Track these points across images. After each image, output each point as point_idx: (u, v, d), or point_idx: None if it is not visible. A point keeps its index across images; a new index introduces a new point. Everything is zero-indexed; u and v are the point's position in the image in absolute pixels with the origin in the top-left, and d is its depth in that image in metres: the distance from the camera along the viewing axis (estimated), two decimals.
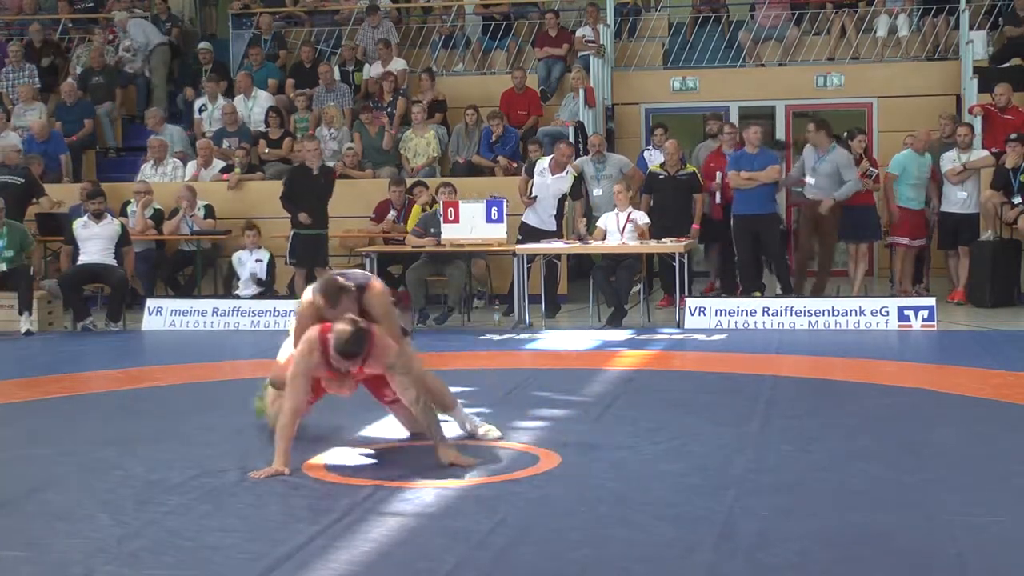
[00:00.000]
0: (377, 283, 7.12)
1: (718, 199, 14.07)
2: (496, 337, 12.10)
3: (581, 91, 15.81)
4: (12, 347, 12.10)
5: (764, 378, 9.53)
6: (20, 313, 12.71)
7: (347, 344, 6.44)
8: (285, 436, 6.55)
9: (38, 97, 16.87)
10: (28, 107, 16.58)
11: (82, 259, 13.16)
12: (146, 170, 15.49)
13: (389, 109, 16.15)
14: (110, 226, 13.28)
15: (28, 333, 12.59)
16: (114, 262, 13.14)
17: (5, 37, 18.28)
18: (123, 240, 13.33)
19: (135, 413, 8.34)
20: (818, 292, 13.37)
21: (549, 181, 13.53)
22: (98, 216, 13.21)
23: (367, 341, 6.52)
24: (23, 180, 14.53)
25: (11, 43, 17.77)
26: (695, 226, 13.68)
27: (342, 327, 6.49)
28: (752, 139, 13.79)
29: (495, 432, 7.33)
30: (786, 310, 12.52)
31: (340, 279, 6.86)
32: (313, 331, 6.63)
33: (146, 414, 8.33)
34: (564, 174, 13.53)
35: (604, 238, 13.01)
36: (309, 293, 6.97)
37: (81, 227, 13.28)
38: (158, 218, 14.48)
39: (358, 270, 7.23)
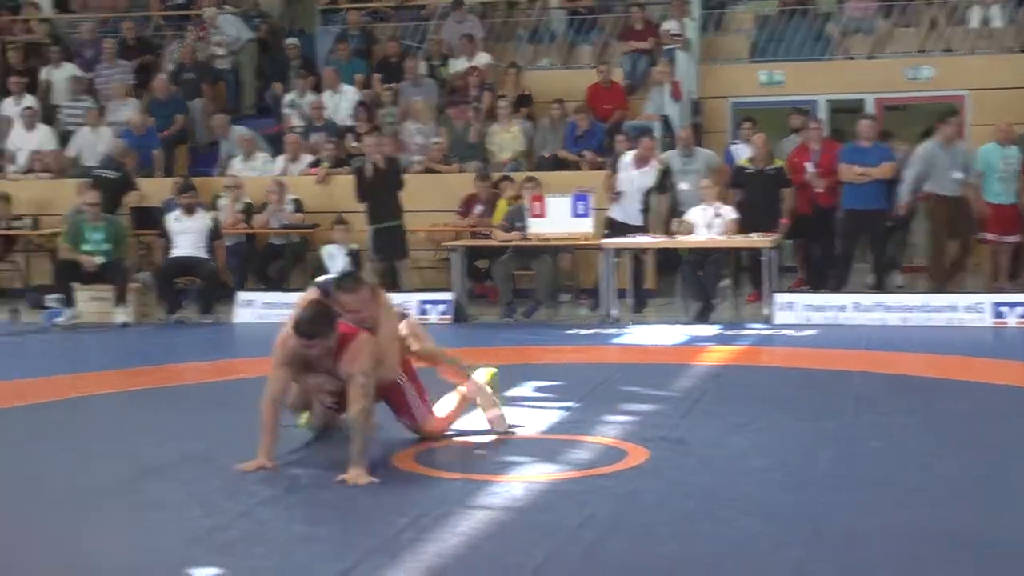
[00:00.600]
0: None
1: (821, 189, 13.83)
2: (583, 331, 12.10)
3: (667, 85, 15.74)
4: (108, 338, 12.31)
5: (853, 374, 9.44)
6: (116, 305, 12.93)
7: (303, 319, 6.44)
8: (267, 427, 6.50)
9: (131, 93, 17.12)
10: (122, 103, 16.83)
11: (175, 252, 13.36)
12: (236, 164, 15.67)
13: (475, 103, 16.18)
14: (202, 220, 13.46)
15: (124, 325, 12.80)
16: (206, 255, 13.32)
17: (100, 35, 18.55)
18: (214, 234, 13.51)
19: (226, 405, 8.45)
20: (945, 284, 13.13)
21: (634, 175, 13.50)
22: (190, 210, 13.40)
23: (326, 325, 6.45)
24: (118, 174, 14.79)
25: (105, 41, 18.04)
26: (783, 220, 13.57)
27: (304, 305, 6.55)
28: (866, 133, 13.65)
29: (503, 424, 7.38)
30: (877, 306, 12.38)
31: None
32: (295, 310, 6.69)
33: (236, 406, 8.41)
34: (649, 168, 13.49)
35: (691, 232, 12.95)
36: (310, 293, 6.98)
37: (174, 221, 13.48)
38: (248, 212, 14.65)
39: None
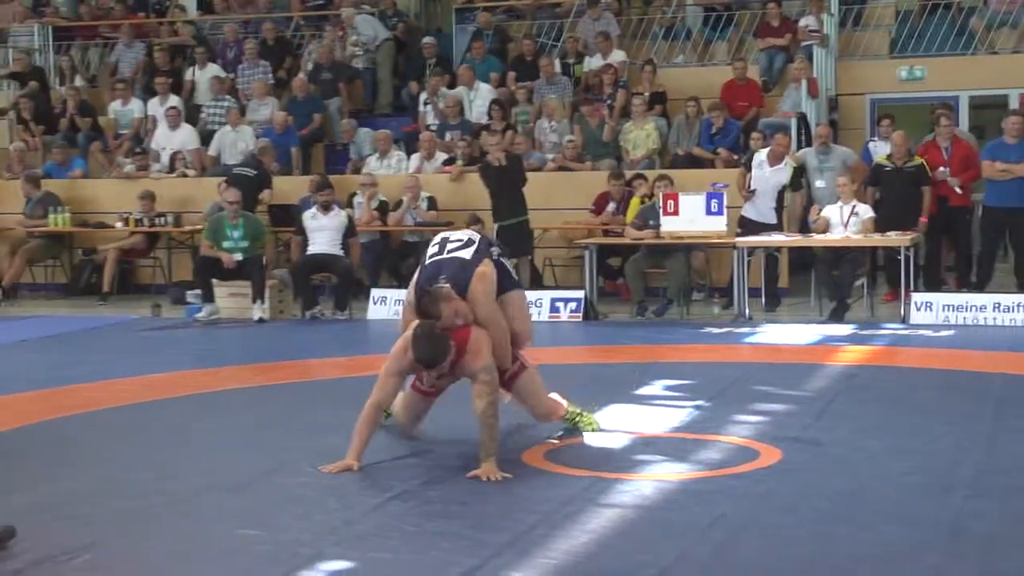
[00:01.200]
0: (481, 271, 6.72)
1: (959, 190, 13.51)
2: (715, 330, 11.99)
3: (804, 82, 15.52)
4: (245, 334, 12.53)
5: (994, 376, 9.21)
6: (253, 301, 13.15)
7: (422, 351, 6.35)
8: (363, 431, 6.48)
9: (271, 92, 17.42)
10: (261, 103, 17.13)
11: (311, 249, 13.54)
12: (371, 163, 15.84)
13: (609, 101, 16.14)
14: (337, 217, 13.63)
15: (260, 321, 13.01)
16: (341, 252, 13.47)
17: (241, 35, 18.90)
18: (349, 231, 13.66)
19: (360, 401, 8.51)
20: None
21: (767, 173, 13.33)
22: (326, 208, 13.58)
23: (444, 350, 6.39)
24: (256, 172, 15.04)
25: (247, 41, 18.38)
26: (923, 219, 13.28)
27: (418, 335, 6.37)
28: (1013, 130, 13.33)
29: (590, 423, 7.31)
30: (1018, 306, 12.03)
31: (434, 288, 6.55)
32: (410, 330, 6.52)
33: None
34: (782, 165, 13.31)
35: (827, 230, 12.75)
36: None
37: (310, 218, 13.66)
38: (383, 209, 14.79)
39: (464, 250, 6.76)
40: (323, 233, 13.53)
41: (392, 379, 6.56)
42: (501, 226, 13.60)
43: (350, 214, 14.06)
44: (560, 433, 7.25)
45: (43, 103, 18.34)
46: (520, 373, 7.00)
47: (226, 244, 13.30)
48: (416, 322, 6.51)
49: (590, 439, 7.14)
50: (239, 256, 13.22)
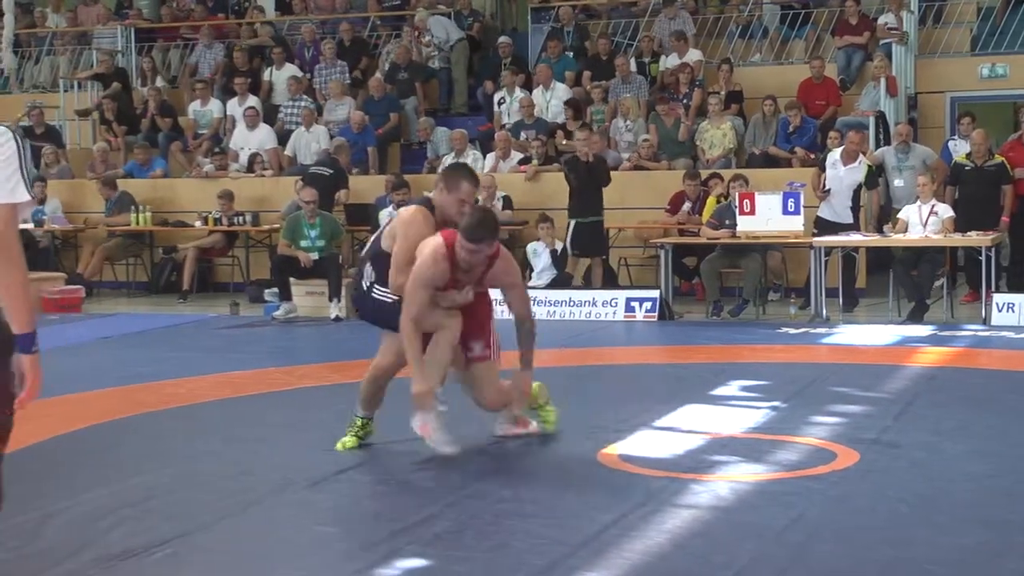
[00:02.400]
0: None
1: None
2: (792, 331, 11.90)
3: (883, 80, 15.36)
4: (322, 332, 12.61)
5: None
6: (330, 300, 13.24)
7: (474, 228, 6.38)
8: (416, 352, 6.44)
9: (348, 92, 17.54)
10: (338, 102, 17.26)
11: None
12: (447, 162, 15.88)
13: (685, 100, 16.08)
14: None
15: (337, 319, 13.10)
16: None
17: (319, 36, 19.04)
18: None
19: None
20: None
21: (842, 173, 13.21)
22: (402, 207, 13.62)
23: (492, 227, 6.54)
24: (332, 171, 15.14)
25: (324, 41, 18.52)
26: (1005, 219, 13.10)
27: (471, 213, 6.52)
28: None
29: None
30: None
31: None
32: (436, 239, 6.53)
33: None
34: (857, 164, 13.19)
35: (905, 230, 12.61)
36: (412, 209, 6.90)
37: (386, 217, 13.73)
38: None
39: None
40: None
41: (424, 291, 6.47)
42: (577, 223, 13.61)
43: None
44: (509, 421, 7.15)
45: (125, 104, 18.62)
46: (485, 358, 6.88)
47: (303, 243, 13.42)
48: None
49: (662, 439, 7.11)
50: (316, 255, 13.32)
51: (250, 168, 16.75)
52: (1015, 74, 16.46)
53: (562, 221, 13.96)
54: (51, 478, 6.41)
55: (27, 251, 16.39)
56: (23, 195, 3.68)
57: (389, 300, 6.71)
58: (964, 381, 9.18)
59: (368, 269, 6.94)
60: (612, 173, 14.32)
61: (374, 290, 6.86)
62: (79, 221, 16.79)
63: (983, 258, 12.11)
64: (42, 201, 16.34)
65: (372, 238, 7.25)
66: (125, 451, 7.18)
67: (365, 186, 15.70)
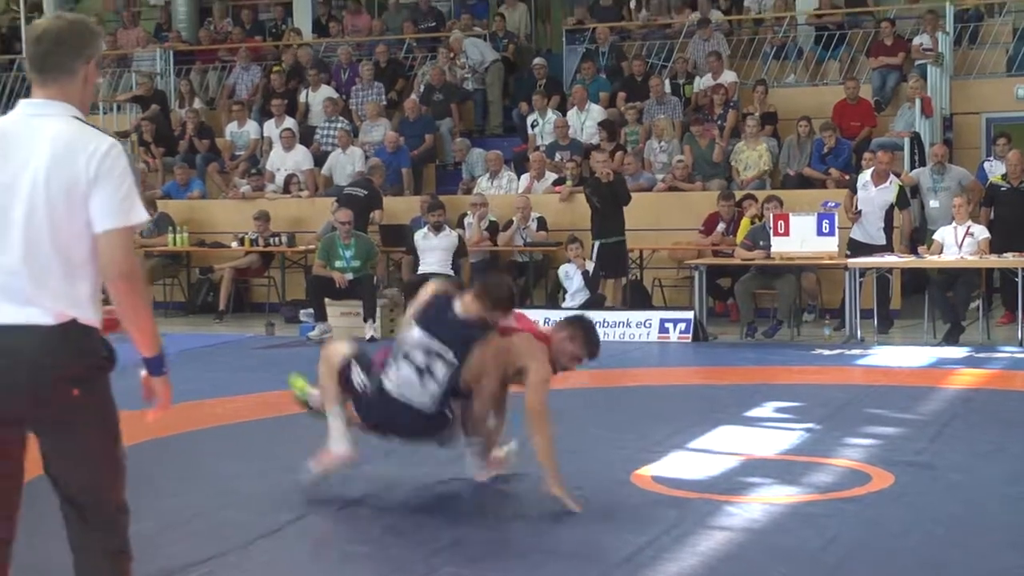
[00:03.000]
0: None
1: None
2: (826, 352, 11.87)
3: (918, 101, 15.32)
4: None
5: None
6: (365, 320, 13.30)
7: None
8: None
9: (383, 113, 17.63)
10: (374, 123, 17.35)
11: (422, 269, 13.68)
12: (482, 183, 15.96)
13: (720, 121, 16.10)
14: (448, 238, 13.76)
15: (372, 339, 13.13)
16: (451, 272, 13.59)
17: (356, 58, 19.15)
18: (460, 251, 13.78)
19: None
20: None
21: (873, 194, 13.18)
22: (437, 228, 13.72)
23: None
24: (366, 192, 15.19)
25: (361, 63, 18.63)
26: None
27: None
28: None
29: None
30: None
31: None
32: (537, 347, 6.29)
33: None
34: (888, 184, 13.15)
35: (941, 252, 12.57)
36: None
37: (421, 238, 13.82)
38: (493, 229, 14.89)
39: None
40: (434, 253, 13.68)
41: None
42: (602, 244, 13.64)
43: (461, 234, 14.17)
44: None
45: (163, 125, 18.74)
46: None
47: (338, 264, 13.49)
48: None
49: (696, 461, 7.11)
50: (351, 275, 13.40)
51: (286, 189, 16.84)
52: None
53: (590, 240, 13.99)
54: None
55: None
56: (141, 215, 3.60)
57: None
58: (1001, 403, 9.15)
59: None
60: (646, 194, 14.33)
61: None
62: None
63: (1020, 280, 12.05)
64: None
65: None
66: (166, 470, 7.22)
67: (400, 207, 15.78)
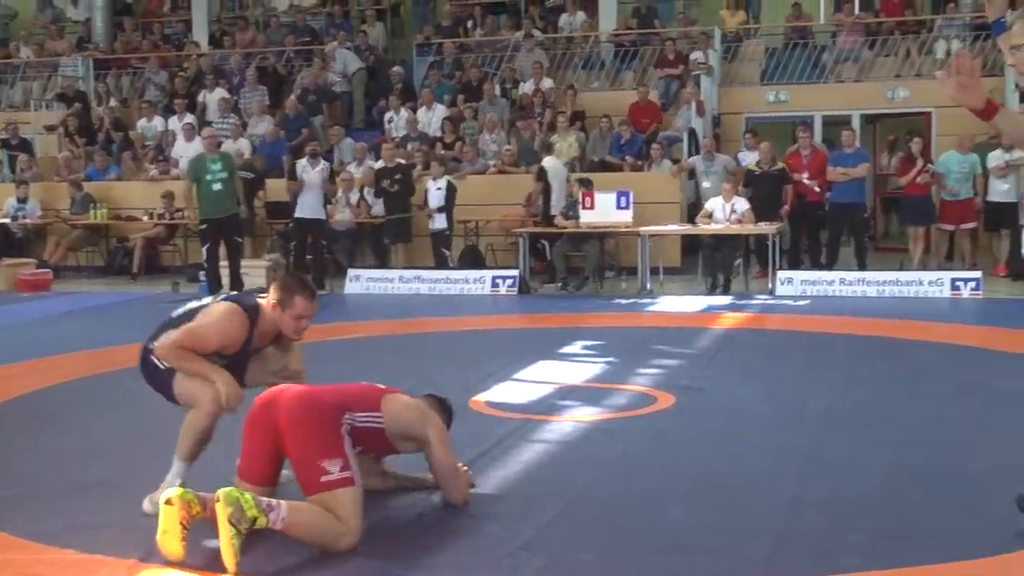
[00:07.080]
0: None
1: (818, 190, 13.56)
2: (623, 301, 11.97)
3: (693, 103, 15.52)
4: None
5: (840, 336, 9.26)
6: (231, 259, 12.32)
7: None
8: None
9: (267, 111, 17.18)
10: (259, 119, 16.89)
11: (299, 212, 13.27)
12: (351, 168, 15.63)
13: (539, 118, 16.06)
14: (321, 173, 13.36)
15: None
16: (323, 216, 13.38)
17: (243, 65, 18.61)
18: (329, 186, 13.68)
19: (352, 369, 8.39)
20: None
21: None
22: (314, 156, 13.38)
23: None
24: (253, 175, 14.79)
25: (248, 69, 18.11)
26: (786, 208, 13.37)
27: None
28: (847, 141, 13.46)
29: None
30: (859, 281, 12.14)
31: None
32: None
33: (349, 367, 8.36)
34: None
35: (710, 217, 12.76)
36: (232, 308, 4.77)
37: (301, 170, 13.30)
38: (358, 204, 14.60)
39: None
40: (311, 188, 13.26)
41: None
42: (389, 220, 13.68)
43: (329, 166, 13.87)
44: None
45: (85, 120, 18.11)
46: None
47: (207, 177, 12.03)
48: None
49: (520, 389, 7.08)
50: (219, 187, 11.98)
51: None
52: (794, 100, 16.76)
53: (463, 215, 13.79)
54: (42, 421, 6.20)
55: (5, 242, 15.88)
56: None
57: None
58: (756, 339, 9.31)
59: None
60: (481, 176, 14.20)
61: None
62: (48, 216, 16.23)
63: (770, 243, 12.32)
64: (24, 200, 15.88)
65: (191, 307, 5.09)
66: (95, 401, 6.94)
67: (280, 187, 15.36)
